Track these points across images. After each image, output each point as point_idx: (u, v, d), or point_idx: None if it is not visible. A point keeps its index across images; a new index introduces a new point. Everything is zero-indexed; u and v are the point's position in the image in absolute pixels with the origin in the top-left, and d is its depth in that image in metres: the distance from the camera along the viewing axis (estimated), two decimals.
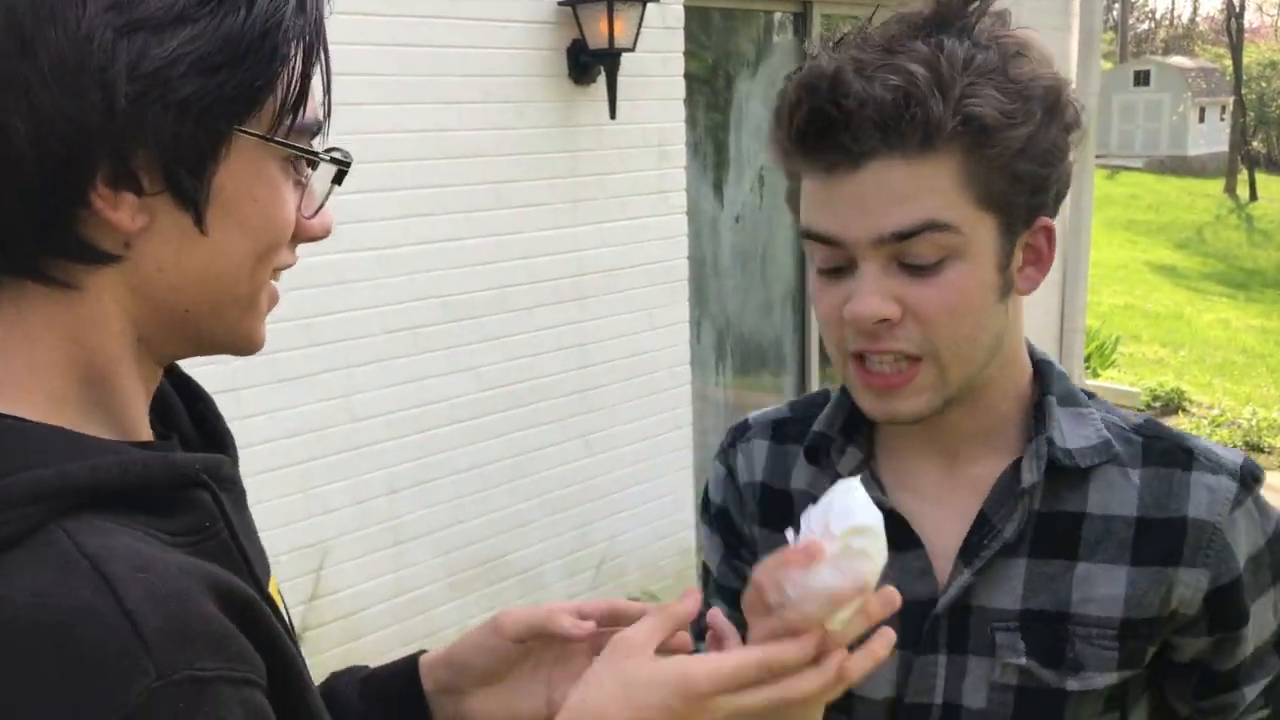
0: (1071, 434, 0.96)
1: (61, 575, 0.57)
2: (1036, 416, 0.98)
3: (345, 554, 3.29)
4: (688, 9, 3.97)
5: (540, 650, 0.87)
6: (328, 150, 0.71)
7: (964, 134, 0.85)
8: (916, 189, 0.86)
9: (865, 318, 0.88)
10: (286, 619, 0.74)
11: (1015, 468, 0.97)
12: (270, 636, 0.65)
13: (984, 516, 0.97)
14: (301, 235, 0.72)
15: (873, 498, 0.84)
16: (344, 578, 3.30)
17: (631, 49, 3.55)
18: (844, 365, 0.94)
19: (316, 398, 3.16)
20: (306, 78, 0.67)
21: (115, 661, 0.55)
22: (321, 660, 3.24)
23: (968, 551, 0.96)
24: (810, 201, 0.91)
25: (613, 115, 3.67)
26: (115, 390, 0.68)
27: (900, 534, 0.96)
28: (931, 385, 0.91)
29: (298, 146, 0.68)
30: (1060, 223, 5.37)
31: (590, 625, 0.84)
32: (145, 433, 0.70)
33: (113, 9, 0.60)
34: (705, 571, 1.16)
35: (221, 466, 0.70)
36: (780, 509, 1.05)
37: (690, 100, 4.08)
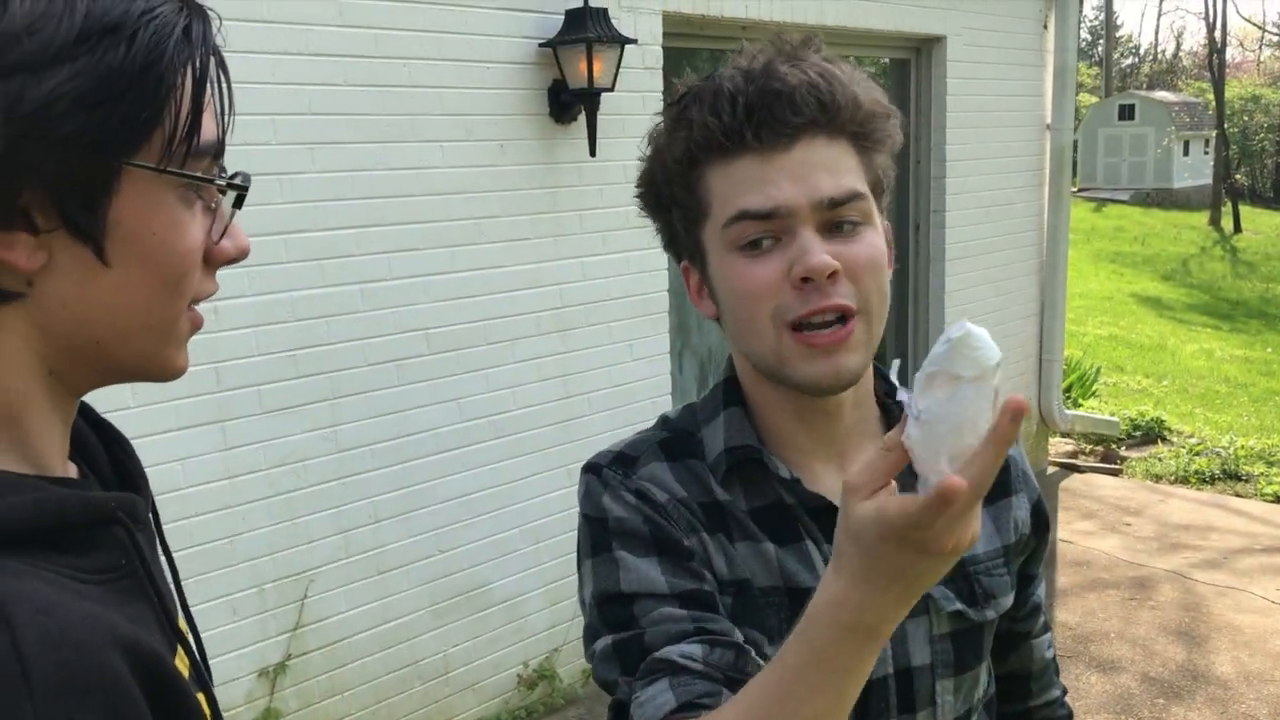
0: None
1: None
2: (888, 405, 1.11)
3: (330, 583, 3.34)
4: (666, 50, 4.08)
5: None
6: (228, 175, 0.71)
7: (850, 125, 1.00)
8: (839, 163, 0.99)
9: (822, 269, 0.95)
10: (197, 655, 0.74)
11: None
12: (174, 697, 0.65)
13: None
14: (215, 259, 0.72)
15: (806, 494, 1.03)
16: (329, 606, 3.34)
17: (611, 88, 3.64)
18: (778, 340, 0.99)
19: (302, 428, 3.22)
20: (198, 105, 0.67)
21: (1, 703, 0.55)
22: (306, 686, 3.29)
23: None
24: (740, 187, 0.99)
25: (593, 153, 3.76)
26: (28, 426, 0.67)
27: (829, 526, 0.98)
28: (864, 341, 1.00)
29: (190, 174, 0.67)
30: (1037, 254, 5.49)
31: None
32: (61, 468, 0.70)
33: None
34: (628, 600, 1.01)
35: (136, 506, 0.70)
36: (719, 517, 1.05)
37: None
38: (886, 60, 5.50)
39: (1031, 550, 1.19)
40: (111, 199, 0.64)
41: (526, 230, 3.69)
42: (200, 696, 0.71)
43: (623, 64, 3.68)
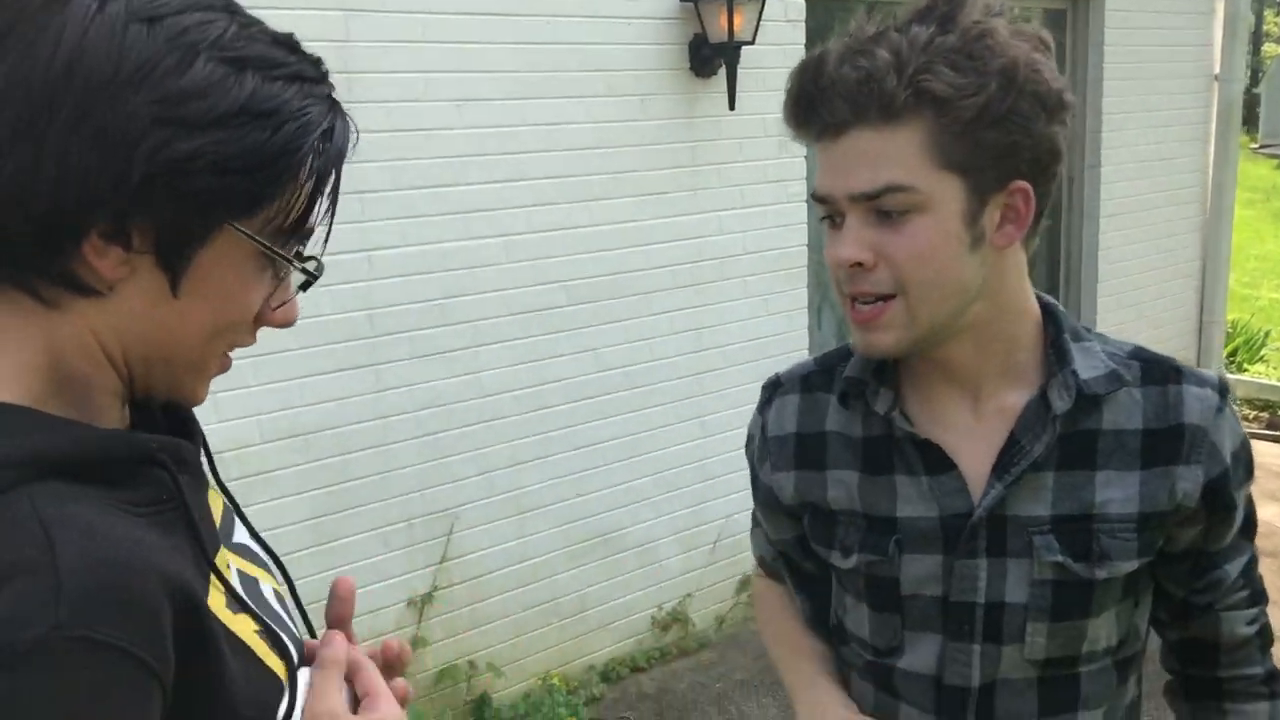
0: (1084, 366, 1.12)
1: (13, 534, 0.64)
2: (1056, 353, 1.13)
3: (472, 520, 3.51)
4: (809, 2, 4.06)
5: None
6: (307, 259, 0.80)
7: (920, 106, 1.00)
8: (883, 155, 1.02)
9: (842, 261, 1.06)
10: (235, 587, 0.80)
11: (1041, 397, 1.12)
12: (201, 636, 0.71)
13: (1014, 439, 1.13)
14: (263, 320, 0.81)
15: (906, 431, 1.12)
16: (472, 542, 3.52)
17: (751, 42, 3.66)
18: (844, 305, 1.11)
19: (449, 373, 3.39)
20: (312, 201, 0.77)
21: (27, 608, 0.61)
22: (450, 618, 3.48)
23: (1000, 469, 1.13)
24: (817, 168, 1.09)
25: (732, 107, 3.79)
26: (87, 400, 0.75)
27: (934, 459, 1.15)
28: (901, 323, 1.07)
29: (278, 253, 0.77)
30: (1200, 211, 5.27)
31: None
32: (115, 421, 0.78)
33: (159, 102, 0.69)
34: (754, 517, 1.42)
35: (180, 450, 0.77)
36: (816, 450, 1.24)
37: None
38: (1039, 11, 5.32)
39: (1205, 528, 1.15)
40: (204, 247, 0.73)
41: (664, 184, 3.75)
42: (248, 620, 0.78)
43: (764, 17, 3.68)
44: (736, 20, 3.59)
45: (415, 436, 3.35)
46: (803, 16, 4.04)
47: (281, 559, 0.96)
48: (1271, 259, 15.52)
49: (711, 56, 3.74)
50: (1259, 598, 1.23)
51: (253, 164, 0.72)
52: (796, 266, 4.18)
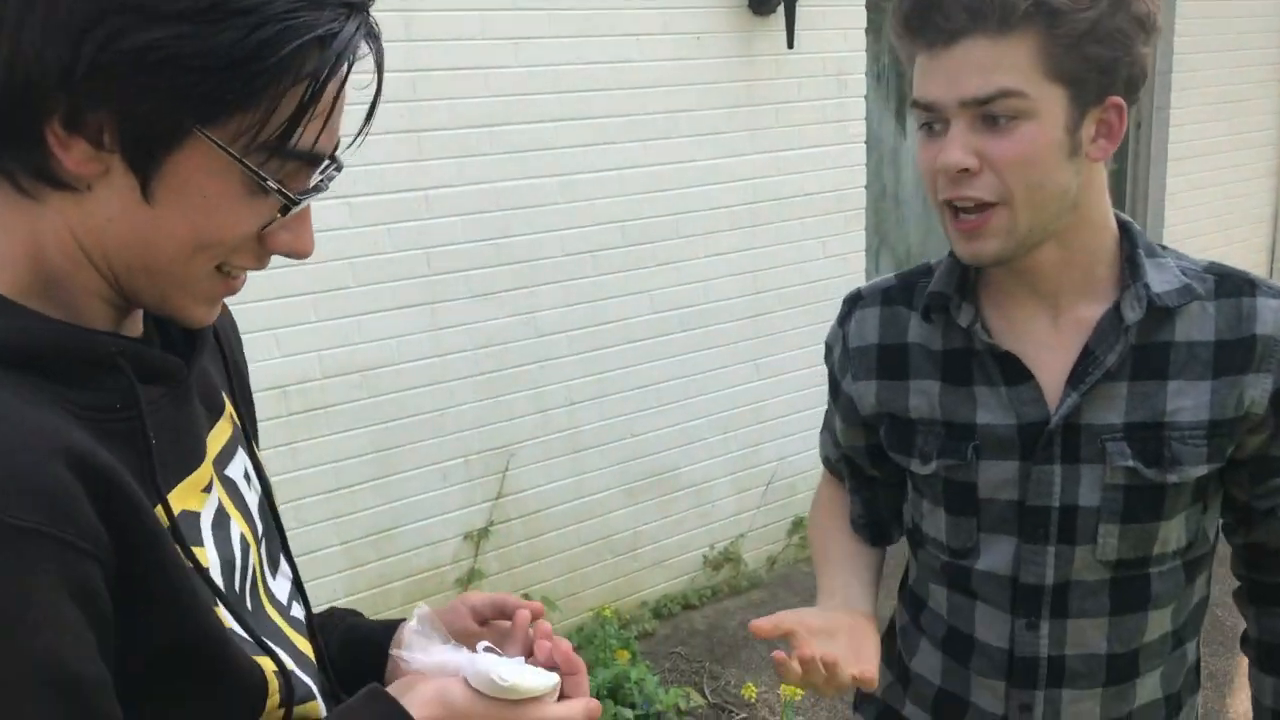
0: (1157, 280, 1.16)
1: None
2: (1130, 267, 1.17)
3: (528, 458, 3.57)
4: None
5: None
6: (277, 185, 0.73)
7: (1037, 16, 1.04)
8: (996, 63, 1.05)
9: (951, 165, 1.09)
10: (203, 522, 0.79)
11: (1115, 309, 1.17)
12: (128, 509, 0.68)
13: (1088, 350, 1.18)
14: (268, 246, 0.77)
15: (986, 343, 1.20)
16: (528, 479, 3.58)
17: None
18: (941, 214, 1.15)
19: (505, 313, 3.43)
20: (300, 114, 0.71)
21: None
22: (507, 552, 3.55)
23: (1075, 379, 1.18)
24: (918, 76, 1.11)
25: (790, 45, 3.75)
26: (72, 295, 0.74)
27: (1013, 370, 1.20)
28: (1006, 229, 1.11)
29: (245, 163, 0.71)
30: (1275, 155, 5.11)
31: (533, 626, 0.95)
32: (105, 326, 0.76)
33: None
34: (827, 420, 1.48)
35: (154, 360, 0.76)
36: (899, 360, 1.29)
37: (874, 30, 4.10)
38: None
39: (1272, 433, 1.19)
40: (172, 151, 0.69)
41: (721, 124, 3.73)
42: (200, 554, 0.77)
43: None
44: None
45: (472, 375, 3.40)
46: None
47: (273, 496, 0.95)
48: None
49: None
50: None
51: (218, 64, 0.67)
52: (855, 209, 4.15)
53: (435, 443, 3.37)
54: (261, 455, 0.98)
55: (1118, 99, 1.10)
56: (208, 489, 0.83)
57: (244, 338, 0.99)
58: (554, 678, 0.85)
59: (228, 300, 0.85)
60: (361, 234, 3.10)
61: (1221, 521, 1.30)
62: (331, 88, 0.72)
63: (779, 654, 1.13)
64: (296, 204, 0.75)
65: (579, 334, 3.59)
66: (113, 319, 0.77)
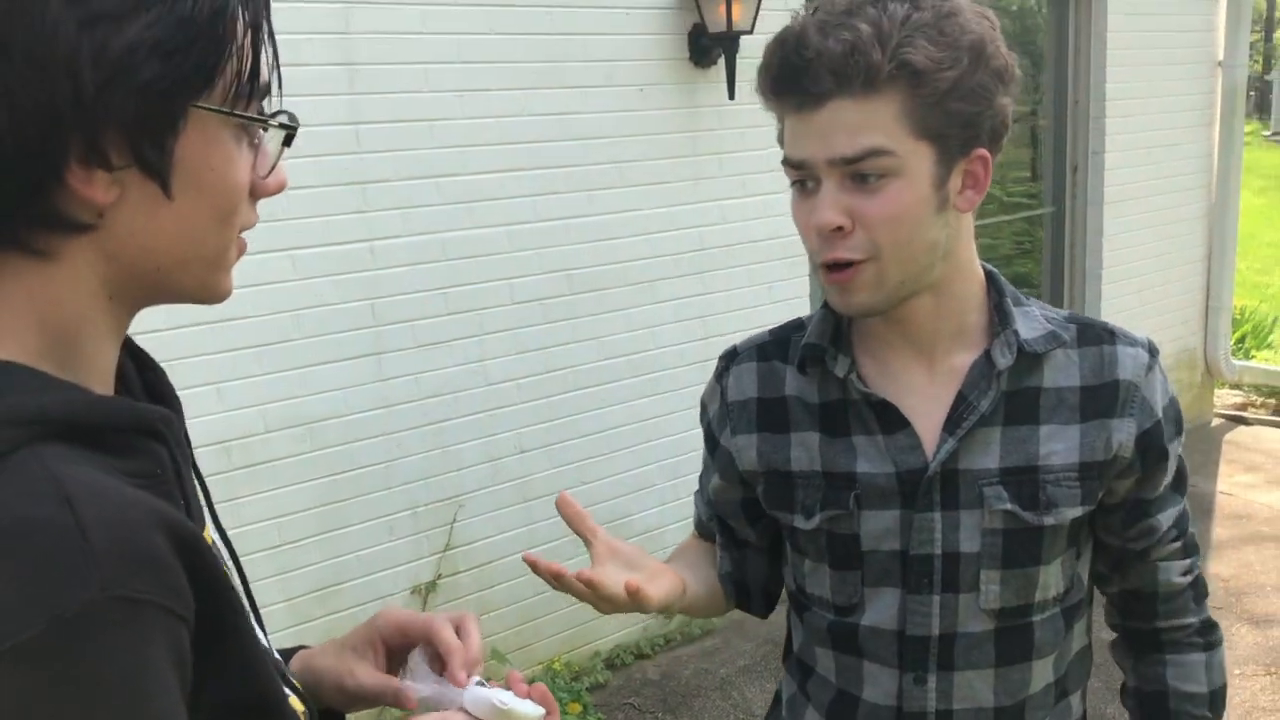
0: (1025, 327, 1.19)
1: (29, 491, 0.62)
2: (999, 315, 1.20)
3: (478, 508, 3.54)
4: None
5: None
6: (275, 114, 0.76)
7: (901, 78, 1.06)
8: (863, 124, 1.07)
9: (824, 225, 1.11)
10: (227, 563, 0.80)
11: (986, 356, 1.19)
12: (210, 574, 0.69)
13: (962, 396, 1.20)
14: (258, 193, 0.77)
15: (862, 392, 1.19)
16: (477, 530, 3.55)
17: (750, 31, 3.67)
18: (817, 269, 1.16)
19: (453, 362, 3.41)
20: (256, 53, 0.72)
21: (63, 570, 0.59)
22: (456, 605, 3.51)
23: (950, 425, 1.19)
24: (788, 136, 1.13)
25: (731, 96, 3.81)
26: (82, 347, 0.73)
27: (890, 418, 1.21)
28: (876, 282, 1.13)
29: (249, 116, 0.73)
30: (1206, 197, 5.27)
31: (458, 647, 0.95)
32: (109, 388, 0.76)
33: (72, 3, 0.64)
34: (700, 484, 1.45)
35: (174, 424, 0.75)
36: (778, 413, 1.29)
37: None
38: None
39: (1139, 477, 1.23)
40: (178, 138, 0.70)
41: (666, 174, 3.77)
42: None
43: (762, 6, 3.69)
44: (735, 10, 3.60)
45: (420, 425, 3.38)
46: (802, 5, 4.04)
47: (239, 557, 0.93)
48: None
49: (710, 46, 3.75)
50: (1191, 549, 1.31)
51: (192, 36, 0.68)
52: (799, 254, 4.19)
53: (382, 495, 3.34)
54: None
55: (983, 151, 1.12)
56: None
57: (185, 393, 0.99)
58: (542, 710, 0.92)
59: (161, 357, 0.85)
60: (306, 285, 3.08)
61: (1093, 571, 1.31)
62: (267, 15, 0.75)
63: (529, 554, 1.16)
64: (296, 126, 0.77)
65: (528, 382, 3.59)
66: (112, 368, 0.76)
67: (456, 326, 3.40)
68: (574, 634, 3.84)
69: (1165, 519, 1.27)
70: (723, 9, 3.60)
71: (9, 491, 0.62)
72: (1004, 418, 1.19)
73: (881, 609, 1.24)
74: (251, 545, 3.06)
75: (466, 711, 0.89)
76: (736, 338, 1.41)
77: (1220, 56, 5.81)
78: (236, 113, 0.72)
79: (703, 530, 1.48)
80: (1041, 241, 5.62)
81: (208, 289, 0.77)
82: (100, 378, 0.75)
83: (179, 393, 0.86)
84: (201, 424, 2.86)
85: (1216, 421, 6.33)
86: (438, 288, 3.34)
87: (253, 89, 0.73)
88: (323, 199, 3.03)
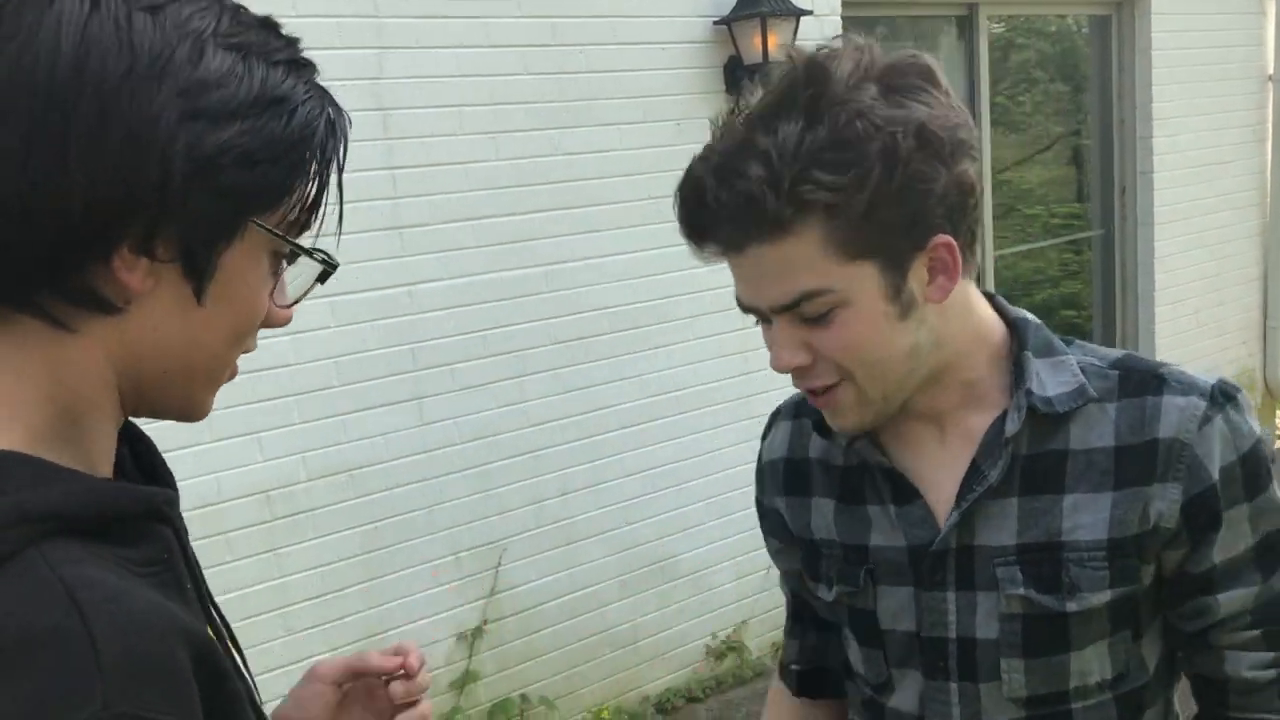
0: (1050, 382, 1.06)
1: (36, 598, 0.59)
2: (1015, 372, 1.07)
3: (521, 552, 3.49)
4: (846, 19, 4.03)
5: (356, 691, 1.00)
6: (318, 251, 0.76)
7: (808, 214, 0.94)
8: (786, 267, 0.97)
9: (784, 368, 1.03)
10: (228, 640, 0.78)
11: (1001, 420, 1.07)
12: (220, 679, 0.68)
13: (975, 465, 1.08)
14: (268, 320, 0.76)
15: (875, 460, 1.09)
16: (521, 574, 3.50)
17: None
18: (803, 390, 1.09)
19: (494, 404, 3.38)
20: (322, 186, 0.73)
21: (69, 684, 0.57)
22: (502, 651, 3.46)
23: (961, 496, 1.07)
24: (731, 274, 1.04)
25: None
26: (87, 430, 0.70)
27: (901, 488, 1.11)
28: (856, 402, 1.04)
29: (299, 245, 0.73)
30: (1260, 214, 5.08)
31: (398, 659, 0.97)
32: (108, 472, 0.74)
33: (182, 95, 0.65)
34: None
35: (175, 504, 0.73)
36: (800, 476, 1.21)
37: None
38: (1083, 19, 5.24)
39: (1189, 549, 1.04)
40: (230, 247, 0.70)
41: None
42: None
43: (799, 36, 3.66)
44: (771, 40, 3.57)
45: (461, 469, 3.34)
46: (838, 34, 4.00)
47: (234, 630, 0.93)
48: None
49: (746, 79, 3.71)
50: (1276, 641, 1.07)
51: (276, 154, 0.69)
52: None
53: (425, 540, 3.30)
54: (243, 563, 0.96)
55: (942, 237, 0.98)
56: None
57: (225, 443, 0.97)
58: None
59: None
60: (345, 332, 3.07)
61: (1165, 652, 1.14)
62: (340, 159, 0.75)
63: None
64: (335, 265, 0.77)
65: (570, 422, 3.55)
66: (112, 452, 0.74)
67: (497, 369, 3.37)
68: (622, 678, 3.76)
69: (1229, 600, 1.05)
70: (758, 40, 3.57)
71: (14, 598, 0.59)
72: (1020, 487, 1.06)
73: (906, 692, 1.14)
74: (295, 595, 3.03)
75: None
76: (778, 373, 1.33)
77: (1271, 70, 5.68)
78: (289, 239, 0.73)
79: (787, 676, 1.33)
80: (1090, 264, 5.51)
81: (193, 405, 0.76)
82: (102, 459, 0.73)
83: (218, 444, 0.84)
84: (242, 474, 2.84)
85: (1278, 445, 6.15)
86: (477, 330, 3.31)
87: (306, 220, 0.74)
88: (360, 244, 3.02)
